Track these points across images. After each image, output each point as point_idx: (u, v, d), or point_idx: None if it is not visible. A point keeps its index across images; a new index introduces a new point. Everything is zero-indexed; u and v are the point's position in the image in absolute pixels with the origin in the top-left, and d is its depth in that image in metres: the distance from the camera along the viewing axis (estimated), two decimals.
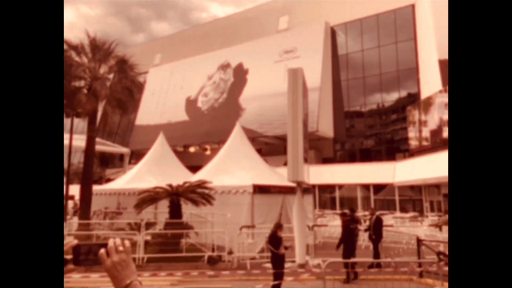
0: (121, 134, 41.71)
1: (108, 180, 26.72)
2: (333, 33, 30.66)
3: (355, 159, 28.45)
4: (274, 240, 7.24)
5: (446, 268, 6.50)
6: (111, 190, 16.65)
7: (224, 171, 13.81)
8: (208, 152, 31.46)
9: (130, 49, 38.76)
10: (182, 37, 42.77)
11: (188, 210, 12.02)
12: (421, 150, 21.89)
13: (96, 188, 17.12)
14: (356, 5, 29.52)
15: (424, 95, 23.94)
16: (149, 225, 11.87)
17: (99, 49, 16.21)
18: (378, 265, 9.27)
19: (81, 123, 21.25)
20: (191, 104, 35.82)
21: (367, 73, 29.09)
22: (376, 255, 9.75)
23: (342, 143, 30.26)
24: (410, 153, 23.77)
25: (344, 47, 30.50)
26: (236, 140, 15.45)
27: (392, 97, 28.32)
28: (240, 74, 33.37)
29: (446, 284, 7.22)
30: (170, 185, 11.26)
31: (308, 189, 14.17)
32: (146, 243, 10.59)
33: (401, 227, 13.21)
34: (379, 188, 24.06)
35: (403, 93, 27.61)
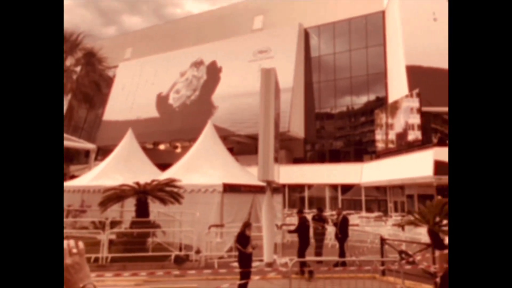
0: (88, 130, 40.24)
1: (73, 176, 25.68)
2: (306, 35, 31.09)
3: (325, 159, 29.02)
4: (242, 239, 7.23)
5: (407, 267, 6.79)
6: (75, 187, 16.01)
7: (194, 169, 13.65)
8: (178, 150, 30.99)
9: (100, 42, 37.46)
10: (155, 32, 41.85)
11: (156, 209, 11.78)
12: (387, 152, 22.67)
13: None
14: (329, 8, 30.09)
15: (391, 99, 24.78)
16: (114, 223, 11.53)
17: (65, 40, 15.54)
18: (344, 264, 9.50)
19: None
20: (162, 100, 35.13)
21: (338, 75, 29.74)
22: (342, 253, 9.99)
23: (312, 143, 30.76)
24: (377, 155, 24.55)
25: (316, 50, 31.01)
26: (207, 138, 15.31)
27: (361, 100, 29.11)
28: (214, 72, 33.11)
29: (407, 282, 7.51)
30: (138, 183, 10.99)
31: (278, 189, 14.28)
32: (111, 242, 10.27)
33: (366, 227, 13.62)
34: (346, 188, 24.66)
35: (372, 97, 28.46)
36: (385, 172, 20.80)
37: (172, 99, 34.59)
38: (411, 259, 8.35)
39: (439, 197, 17.63)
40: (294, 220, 17.24)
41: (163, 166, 17.60)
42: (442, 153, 17.04)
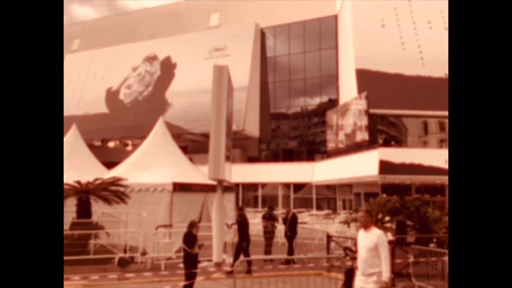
0: None
1: None
2: (262, 35, 31.30)
3: (279, 159, 29.44)
4: (189, 239, 7.06)
5: (349, 263, 7.03)
6: None
7: (143, 167, 13.12)
8: (129, 148, 29.76)
9: None
10: (106, 23, 39.86)
11: (100, 209, 11.16)
12: (337, 152, 23.49)
13: None
14: (285, 10, 30.55)
15: (342, 101, 25.72)
16: None
17: None
18: (292, 261, 9.64)
19: None
20: (112, 95, 33.54)
21: (293, 76, 30.30)
22: (290, 251, 10.13)
23: (267, 143, 31.07)
24: (328, 154, 25.36)
25: (272, 50, 31.34)
26: (158, 136, 14.81)
27: (315, 101, 29.91)
28: (168, 67, 32.24)
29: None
30: (79, 182, 10.34)
31: (230, 188, 14.18)
32: None
33: (315, 224, 13.97)
34: (299, 187, 25.21)
35: (325, 98, 29.35)
36: (335, 171, 21.53)
37: (123, 94, 33.15)
38: (355, 255, 8.66)
39: (384, 195, 18.59)
40: None
41: (112, 165, 16.76)
42: (387, 153, 17.99)
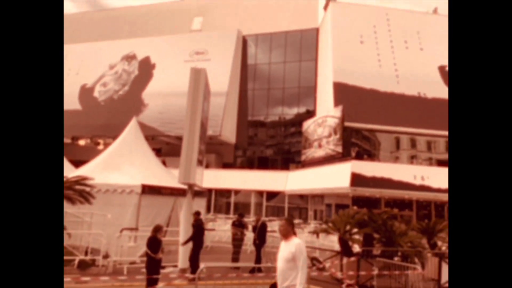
0: None
1: None
2: (244, 42, 31.42)
3: (254, 166, 29.40)
4: (153, 243, 6.84)
5: (314, 273, 7.03)
6: None
7: (111, 168, 12.71)
8: (101, 147, 28.88)
9: None
10: (85, 18, 38.89)
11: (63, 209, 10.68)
12: (311, 163, 23.72)
13: None
14: (268, 19, 30.86)
15: (319, 112, 26.09)
16: None
17: None
18: (259, 270, 9.53)
19: None
20: (86, 92, 32.57)
21: (272, 85, 30.51)
22: (258, 259, 10.03)
23: (243, 149, 30.98)
24: (302, 164, 25.55)
25: (253, 58, 31.49)
26: (130, 136, 14.43)
27: (292, 111, 30.19)
28: (146, 68, 31.71)
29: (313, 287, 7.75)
30: None
31: (201, 192, 13.97)
32: None
33: None
34: (272, 195, 25.21)
35: (302, 109, 29.67)
36: (308, 181, 21.69)
37: (97, 92, 32.26)
38: (321, 266, 8.68)
39: (354, 207, 18.87)
40: (216, 225, 17.05)
41: (80, 163, 16.15)
42: (359, 166, 18.31)
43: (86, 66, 33.77)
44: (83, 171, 12.39)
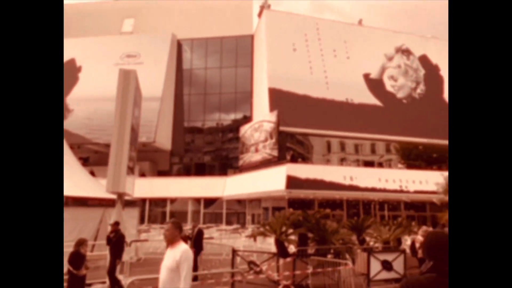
0: None
1: None
2: (179, 46, 30.79)
3: (191, 173, 28.77)
4: (76, 259, 6.24)
5: (250, 277, 7.00)
6: None
7: None
8: None
9: None
10: None
11: None
12: (249, 167, 23.91)
13: None
14: (202, 24, 30.63)
15: (256, 117, 26.46)
16: None
17: None
18: (195, 278, 9.23)
19: None
20: None
21: (208, 90, 30.26)
22: (194, 267, 9.71)
23: (180, 156, 30.18)
24: (240, 169, 25.65)
25: (189, 62, 30.97)
26: None
27: (230, 116, 30.23)
28: (71, 70, 29.43)
29: None
30: None
31: (132, 202, 13.22)
32: None
33: (223, 239, 13.78)
34: (210, 202, 24.85)
35: (239, 115, 29.87)
36: (245, 186, 21.79)
37: None
38: (258, 269, 8.67)
39: (290, 209, 19.38)
40: (150, 236, 16.26)
41: None
42: (294, 169, 18.88)
43: None
44: None
